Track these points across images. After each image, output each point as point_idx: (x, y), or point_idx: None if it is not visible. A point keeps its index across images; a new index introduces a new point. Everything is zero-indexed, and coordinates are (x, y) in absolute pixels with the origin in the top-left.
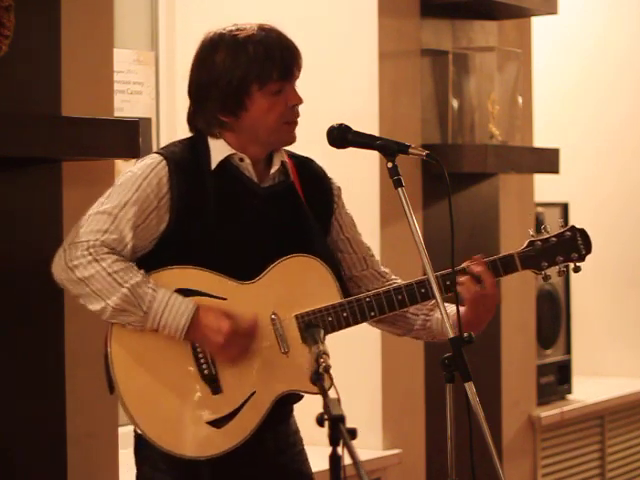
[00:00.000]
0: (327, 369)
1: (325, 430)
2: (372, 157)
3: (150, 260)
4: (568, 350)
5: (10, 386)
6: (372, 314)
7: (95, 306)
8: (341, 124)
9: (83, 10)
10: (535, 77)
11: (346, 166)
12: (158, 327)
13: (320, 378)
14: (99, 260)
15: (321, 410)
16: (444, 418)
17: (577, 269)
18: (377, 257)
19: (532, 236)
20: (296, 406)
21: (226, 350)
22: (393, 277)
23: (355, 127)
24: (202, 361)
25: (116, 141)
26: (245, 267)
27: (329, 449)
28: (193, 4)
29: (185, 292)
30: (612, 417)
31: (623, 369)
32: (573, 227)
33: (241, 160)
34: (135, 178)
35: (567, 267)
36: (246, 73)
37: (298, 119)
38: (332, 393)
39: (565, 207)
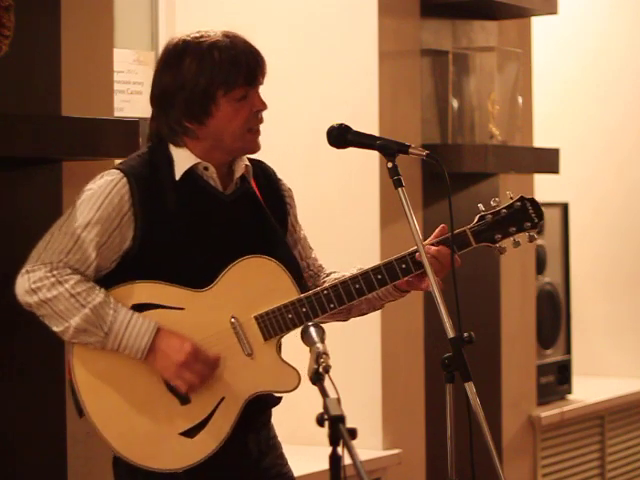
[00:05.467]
0: (327, 369)
1: (325, 430)
2: (372, 157)
3: (112, 277)
4: (568, 350)
5: (10, 386)
6: (332, 306)
7: (58, 327)
8: (341, 124)
9: (83, 10)
10: (535, 77)
11: (346, 166)
12: (119, 348)
13: (320, 378)
14: (62, 282)
15: (321, 410)
16: (444, 418)
17: (532, 238)
18: (377, 257)
19: (482, 210)
20: (296, 406)
21: (184, 371)
22: (328, 271)
23: (355, 127)
24: None
25: (116, 141)
26: (212, 276)
27: (329, 449)
28: (193, 4)
29: (142, 306)
30: (612, 417)
31: (623, 369)
32: (522, 197)
33: (205, 169)
34: (97, 196)
35: (528, 237)
36: (212, 79)
37: (261, 126)
38: (332, 393)
39: (565, 207)
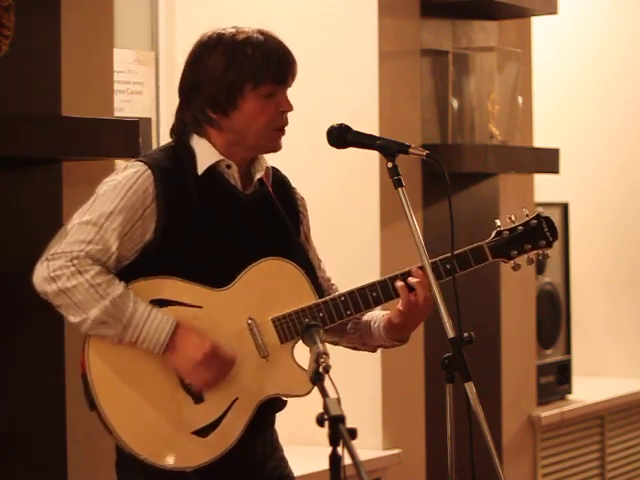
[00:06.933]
0: (327, 369)
1: (325, 430)
2: (372, 157)
3: (129, 271)
4: (568, 350)
5: (10, 386)
6: (348, 312)
7: (75, 317)
8: (341, 124)
9: (83, 10)
10: (535, 77)
11: (346, 166)
12: (137, 341)
13: (320, 378)
14: (82, 272)
15: (321, 410)
16: (444, 418)
17: (545, 257)
18: (377, 257)
19: (499, 226)
20: (295, 406)
21: (201, 369)
22: (334, 287)
23: (355, 127)
24: None
25: (116, 141)
26: (229, 275)
27: (329, 449)
28: (193, 4)
29: (160, 302)
30: (612, 417)
31: (623, 369)
32: (538, 215)
33: (228, 167)
34: (121, 187)
35: (541, 255)
36: (241, 72)
37: (286, 127)
38: (332, 393)
39: (565, 207)
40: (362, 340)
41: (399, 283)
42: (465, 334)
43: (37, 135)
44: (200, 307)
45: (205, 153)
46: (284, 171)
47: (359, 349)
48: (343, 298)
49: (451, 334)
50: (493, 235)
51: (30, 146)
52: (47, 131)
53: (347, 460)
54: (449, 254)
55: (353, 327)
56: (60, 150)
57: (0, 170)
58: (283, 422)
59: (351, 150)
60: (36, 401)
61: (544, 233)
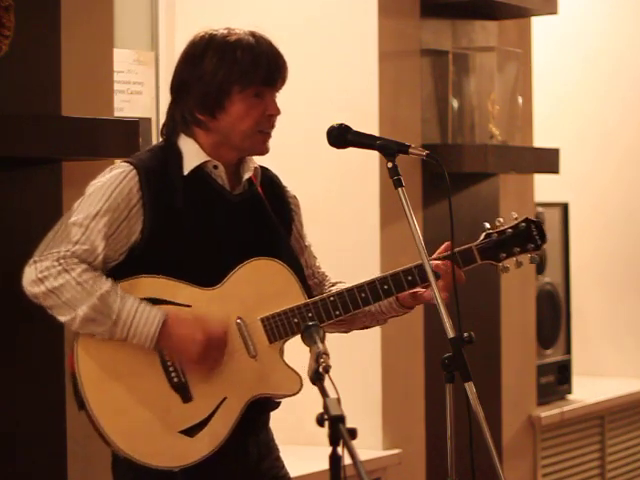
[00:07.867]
0: (327, 369)
1: (325, 430)
2: (372, 157)
3: (118, 271)
4: (568, 350)
5: (11, 386)
6: (337, 313)
7: (65, 316)
8: (341, 124)
9: (83, 10)
10: (535, 77)
11: (346, 166)
12: (127, 336)
13: (320, 378)
14: (69, 270)
15: (321, 410)
16: (444, 418)
17: (533, 260)
18: (377, 257)
19: (488, 228)
20: (296, 406)
21: (202, 361)
22: (334, 280)
23: (355, 127)
24: (171, 369)
25: (116, 141)
26: (217, 274)
27: (329, 449)
28: (193, 4)
29: (149, 301)
30: (612, 417)
31: (623, 369)
32: (527, 218)
33: (215, 167)
34: (105, 188)
35: (530, 258)
36: (230, 74)
37: (272, 131)
38: (332, 393)
39: (565, 207)
40: (375, 319)
41: (440, 264)
42: (465, 334)
43: (37, 135)
44: (189, 306)
45: (192, 154)
46: (284, 171)
47: (369, 327)
48: (332, 299)
49: (451, 334)
50: (482, 237)
51: (30, 146)
52: (47, 131)
53: (347, 460)
54: (445, 254)
55: (365, 311)
56: (60, 150)
57: (0, 170)
58: (283, 422)
59: (351, 150)
60: (36, 401)
61: (533, 237)
